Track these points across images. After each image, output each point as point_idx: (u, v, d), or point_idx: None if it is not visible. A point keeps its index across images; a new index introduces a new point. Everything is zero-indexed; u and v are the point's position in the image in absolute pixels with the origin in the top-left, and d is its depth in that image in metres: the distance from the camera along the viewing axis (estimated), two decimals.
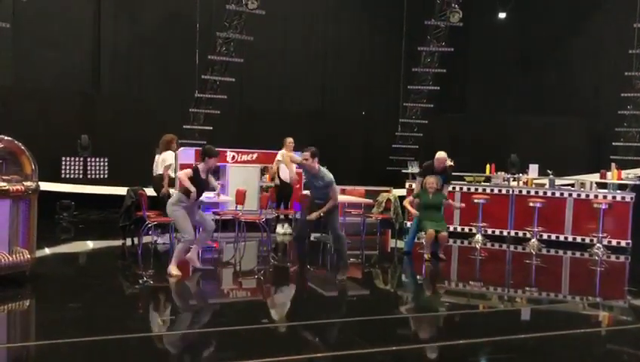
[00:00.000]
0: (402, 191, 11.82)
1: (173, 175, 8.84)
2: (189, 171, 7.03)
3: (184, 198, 6.98)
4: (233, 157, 11.13)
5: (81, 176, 12.65)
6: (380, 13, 15.99)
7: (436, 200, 8.78)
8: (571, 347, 5.27)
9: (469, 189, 10.88)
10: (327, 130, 14.49)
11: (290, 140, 10.37)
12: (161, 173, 8.86)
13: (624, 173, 10.61)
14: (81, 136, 12.65)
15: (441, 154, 9.05)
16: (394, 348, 4.93)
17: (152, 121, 13.14)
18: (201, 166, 7.13)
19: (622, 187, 10.33)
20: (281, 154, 10.17)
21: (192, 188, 6.85)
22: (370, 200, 10.71)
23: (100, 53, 13.69)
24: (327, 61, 15.75)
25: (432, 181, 8.78)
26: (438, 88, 15.51)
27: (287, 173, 9.92)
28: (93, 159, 12.77)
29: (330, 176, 7.18)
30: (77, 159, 12.69)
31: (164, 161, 8.86)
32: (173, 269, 7.00)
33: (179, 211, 6.97)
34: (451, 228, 10.85)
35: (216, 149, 7.38)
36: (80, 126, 12.89)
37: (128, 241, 9.05)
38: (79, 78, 13.51)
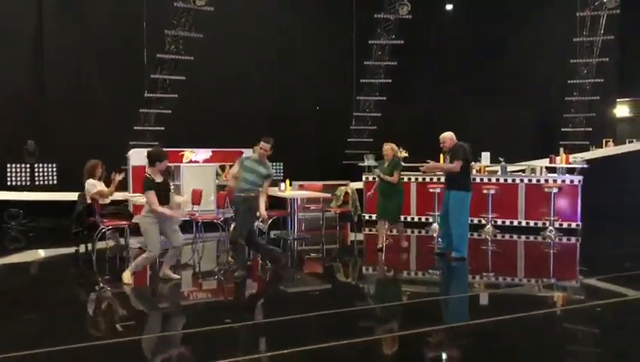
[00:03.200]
0: (359, 185, 11.89)
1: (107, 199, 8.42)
2: (150, 194, 6.55)
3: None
4: (187, 156, 10.96)
5: (28, 183, 12.22)
6: (330, 8, 16.01)
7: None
8: (529, 328, 5.41)
9: (424, 179, 11.02)
10: (282, 126, 14.38)
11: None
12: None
13: (572, 157, 10.95)
14: (27, 142, 12.21)
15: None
16: (358, 339, 4.95)
17: (102, 124, 12.83)
18: (151, 171, 6.72)
19: (570, 171, 10.65)
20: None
21: (169, 213, 6.59)
22: (329, 195, 10.73)
23: (43, 55, 13.22)
24: (278, 57, 15.66)
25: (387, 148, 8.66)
26: (390, 81, 15.66)
27: None
28: (40, 165, 12.35)
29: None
30: (23, 166, 12.25)
31: (88, 191, 8.30)
32: (126, 277, 6.73)
33: (152, 224, 6.64)
34: (409, 219, 11.02)
35: (165, 150, 7.07)
36: (25, 131, 12.42)
37: (82, 248, 8.80)
38: (22, 81, 13.03)
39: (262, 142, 7.19)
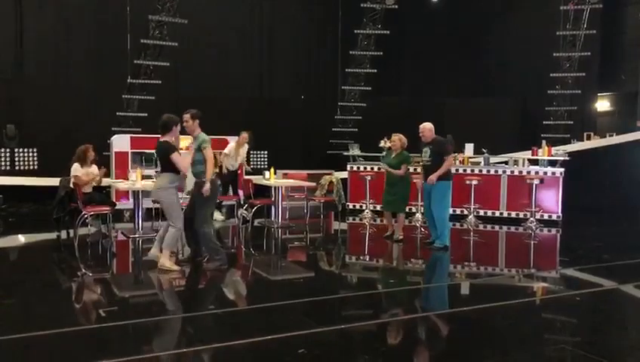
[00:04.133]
0: (344, 174, 11.91)
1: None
2: (176, 156, 6.44)
3: (175, 178, 6.53)
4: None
5: (8, 168, 12.06)
6: None
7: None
8: (509, 317, 5.49)
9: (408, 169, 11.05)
10: (267, 115, 14.38)
11: (244, 136, 10.33)
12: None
13: (554, 149, 11.07)
14: (7, 126, 12.05)
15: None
16: (342, 326, 4.99)
17: (84, 109, 12.70)
18: (168, 138, 6.54)
19: (552, 163, 10.78)
20: (228, 149, 10.19)
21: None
22: (313, 184, 10.74)
23: (22, 39, 12.98)
24: (264, 45, 15.59)
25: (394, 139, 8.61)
26: (376, 71, 15.67)
27: (232, 162, 9.96)
28: (21, 150, 12.19)
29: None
30: (3, 150, 12.09)
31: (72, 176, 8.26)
32: (168, 263, 6.54)
33: (174, 195, 6.50)
34: None
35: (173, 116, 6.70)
36: (5, 116, 12.24)
37: (63, 234, 8.72)
38: (2, 66, 12.79)
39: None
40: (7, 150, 12.10)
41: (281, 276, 7.23)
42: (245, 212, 9.91)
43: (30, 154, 12.34)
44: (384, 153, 9.48)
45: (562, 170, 10.58)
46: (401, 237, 8.67)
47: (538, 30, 14.83)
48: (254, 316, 5.42)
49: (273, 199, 9.74)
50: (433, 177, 7.97)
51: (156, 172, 6.94)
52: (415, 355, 4.74)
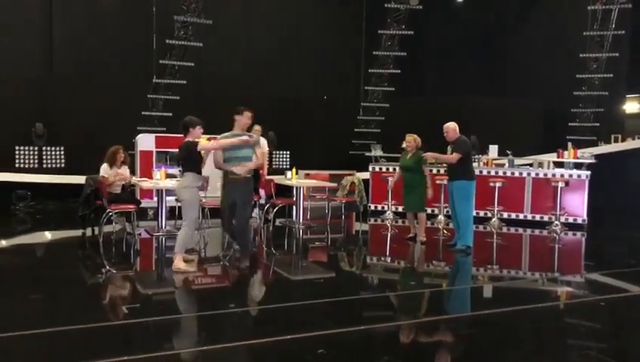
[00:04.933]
0: (366, 175, 11.89)
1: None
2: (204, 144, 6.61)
3: (198, 178, 6.65)
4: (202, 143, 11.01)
5: (36, 166, 12.31)
6: None
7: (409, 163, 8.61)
8: (532, 321, 5.42)
9: (430, 171, 10.99)
10: (290, 115, 14.44)
11: (257, 128, 10.19)
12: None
13: (580, 152, 10.91)
14: (36, 125, 12.28)
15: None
16: (362, 327, 4.98)
17: (110, 109, 12.88)
18: (190, 138, 6.64)
19: (578, 166, 10.62)
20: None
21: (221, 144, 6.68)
22: (335, 184, 10.74)
23: (52, 40, 13.24)
24: (287, 45, 15.64)
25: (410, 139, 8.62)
26: (399, 71, 15.62)
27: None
28: (48, 148, 12.42)
29: None
30: (32, 148, 12.32)
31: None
32: (180, 263, 6.59)
33: (195, 195, 6.62)
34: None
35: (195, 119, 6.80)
36: (34, 114, 12.50)
37: (88, 231, 8.86)
38: (32, 65, 13.05)
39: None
40: (36, 148, 12.33)
41: (302, 276, 7.25)
42: (259, 212, 9.88)
43: (57, 152, 12.57)
44: (400, 154, 9.37)
45: (588, 172, 10.41)
46: (424, 239, 8.60)
47: (564, 30, 14.64)
48: (274, 315, 5.44)
49: (295, 199, 9.76)
50: (429, 154, 8.28)
51: (180, 171, 7.02)
52: (435, 358, 4.71)
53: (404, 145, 10.46)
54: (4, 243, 8.14)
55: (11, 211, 11.04)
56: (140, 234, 8.76)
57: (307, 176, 11.30)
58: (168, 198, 8.68)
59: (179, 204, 8.24)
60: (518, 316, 5.50)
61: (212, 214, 9.13)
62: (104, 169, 8.48)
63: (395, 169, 11.15)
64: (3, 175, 11.48)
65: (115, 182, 8.49)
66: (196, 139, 6.65)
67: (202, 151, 6.73)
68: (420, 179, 8.47)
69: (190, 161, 6.63)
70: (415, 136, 8.61)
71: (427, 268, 7.92)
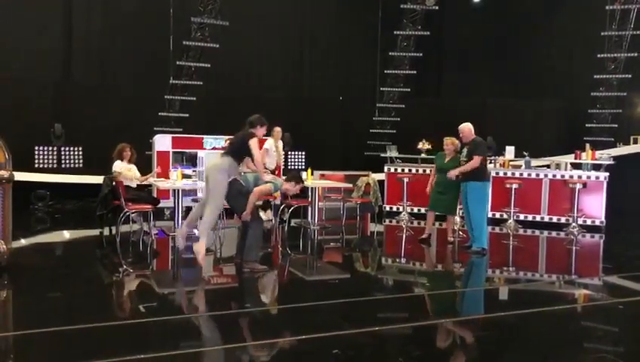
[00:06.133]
0: (381, 176, 11.87)
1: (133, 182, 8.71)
2: (254, 141, 6.71)
3: (234, 165, 6.67)
4: (210, 143, 11.10)
5: (55, 166, 12.46)
6: None
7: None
8: (548, 323, 5.38)
9: None
10: (305, 116, 14.46)
11: (278, 130, 10.31)
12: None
13: (598, 153, 10.80)
14: (55, 125, 12.44)
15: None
16: (376, 328, 4.98)
17: (127, 109, 13.00)
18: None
19: (596, 167, 10.51)
20: (269, 144, 10.17)
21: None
22: (350, 185, 10.74)
23: (71, 40, 13.42)
24: (303, 46, 15.68)
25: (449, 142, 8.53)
26: (415, 72, 15.57)
27: (271, 159, 9.97)
28: (67, 148, 12.57)
29: None
30: (50, 148, 12.48)
31: (114, 172, 8.70)
32: (202, 248, 6.58)
33: (225, 180, 6.59)
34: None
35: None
36: (53, 115, 12.66)
37: (106, 230, 8.96)
38: (51, 66, 13.23)
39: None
40: (54, 148, 12.49)
41: (317, 276, 7.26)
42: (263, 213, 9.85)
43: (76, 152, 12.71)
44: (435, 155, 9.24)
45: (607, 174, 10.29)
46: (451, 239, 8.67)
47: (582, 30, 14.49)
48: (289, 316, 5.46)
49: (310, 200, 9.77)
50: (453, 172, 7.99)
51: (221, 152, 7.08)
52: (450, 360, 4.69)
53: (420, 145, 10.50)
54: (23, 242, 8.25)
55: (30, 211, 11.19)
56: (156, 234, 8.83)
57: (322, 176, 11.31)
58: (184, 198, 8.74)
59: (195, 204, 8.29)
60: (533, 318, 5.46)
61: (228, 215, 9.18)
62: (117, 164, 8.69)
63: (410, 170, 11.15)
64: (22, 175, 11.62)
65: (132, 176, 8.65)
66: (255, 137, 6.73)
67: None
68: (455, 182, 8.41)
69: (239, 149, 6.72)
70: (453, 139, 8.56)
71: (442, 269, 7.88)
